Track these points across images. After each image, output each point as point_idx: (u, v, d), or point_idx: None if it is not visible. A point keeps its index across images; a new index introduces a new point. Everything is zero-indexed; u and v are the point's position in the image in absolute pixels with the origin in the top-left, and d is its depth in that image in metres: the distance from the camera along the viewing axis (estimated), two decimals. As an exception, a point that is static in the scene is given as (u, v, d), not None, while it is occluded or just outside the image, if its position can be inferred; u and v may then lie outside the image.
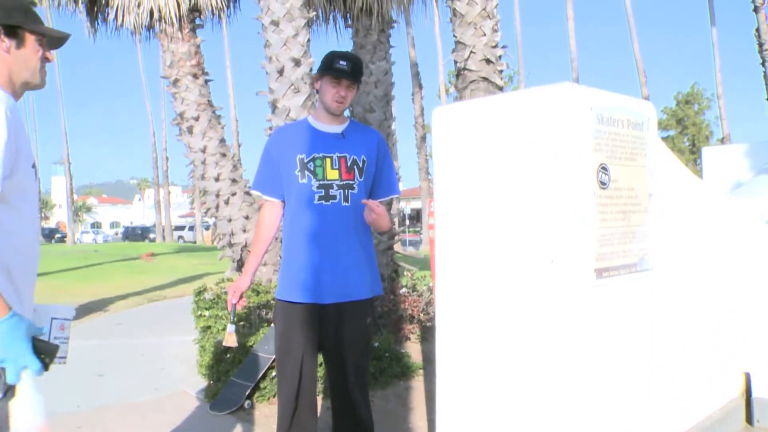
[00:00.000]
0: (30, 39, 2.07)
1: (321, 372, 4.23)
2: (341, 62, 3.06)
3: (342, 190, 3.06)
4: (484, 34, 6.63)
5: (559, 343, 2.38)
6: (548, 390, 2.41)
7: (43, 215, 66.46)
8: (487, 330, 2.62)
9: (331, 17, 8.73)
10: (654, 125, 2.86)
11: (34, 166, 2.05)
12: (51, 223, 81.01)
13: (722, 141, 34.51)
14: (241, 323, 5.44)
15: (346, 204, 3.07)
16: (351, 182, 3.08)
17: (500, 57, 6.78)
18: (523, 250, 2.48)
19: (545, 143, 2.40)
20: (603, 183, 2.48)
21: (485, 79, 6.63)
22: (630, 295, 2.66)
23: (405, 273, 7.61)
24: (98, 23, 8.51)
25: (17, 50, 2.04)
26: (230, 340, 3.33)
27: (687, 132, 48.48)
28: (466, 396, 2.73)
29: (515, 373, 2.52)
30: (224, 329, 5.23)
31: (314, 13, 7.51)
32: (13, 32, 2.03)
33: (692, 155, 45.64)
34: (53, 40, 2.22)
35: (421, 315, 6.68)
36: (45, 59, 2.13)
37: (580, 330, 2.38)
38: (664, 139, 40.17)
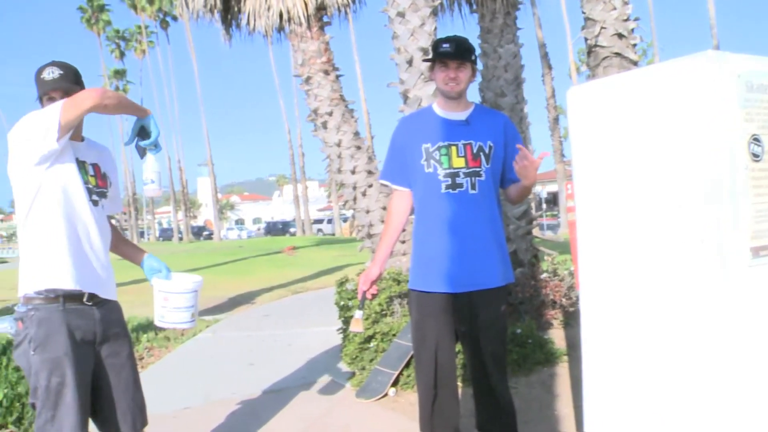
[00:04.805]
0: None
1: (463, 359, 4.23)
2: (444, 45, 3.07)
3: (469, 178, 3.04)
4: (615, 8, 6.40)
5: (712, 327, 2.27)
6: (701, 378, 2.31)
7: (191, 215, 70.13)
8: (634, 315, 2.54)
9: (455, 4, 8.69)
10: (812, 90, 2.66)
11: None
12: (199, 222, 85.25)
13: None
14: (383, 312, 5.53)
15: (473, 192, 3.04)
16: (478, 169, 3.05)
17: (633, 30, 6.53)
18: (670, 230, 2.38)
19: (689, 117, 2.30)
20: (756, 155, 2.34)
21: (618, 54, 6.41)
22: (791, 273, 2.49)
23: (545, 258, 7.48)
24: (232, 30, 8.85)
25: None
26: (357, 325, 3.38)
27: None
28: (614, 383, 2.66)
29: (666, 359, 2.43)
30: (367, 319, 5.34)
31: (439, 1, 7.49)
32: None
33: None
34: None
35: (564, 300, 6.54)
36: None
37: (736, 314, 2.26)
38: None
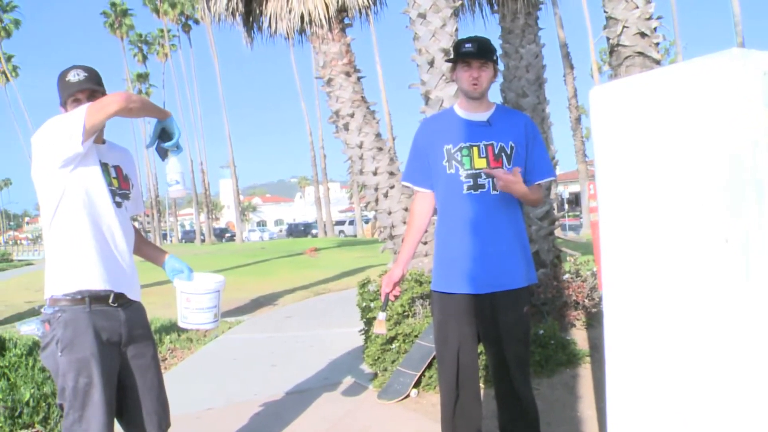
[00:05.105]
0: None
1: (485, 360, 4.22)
2: (466, 45, 3.08)
3: (490, 179, 3.03)
4: (637, 7, 6.36)
5: (737, 328, 2.25)
6: (726, 380, 2.29)
7: (213, 216, 70.60)
8: (658, 316, 2.52)
9: (476, 4, 8.68)
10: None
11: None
12: (221, 224, 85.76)
13: None
14: (405, 313, 5.54)
15: (495, 192, 3.03)
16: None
17: (655, 29, 6.48)
18: (694, 230, 2.36)
19: (713, 116, 2.27)
20: (782, 154, 2.31)
21: (641, 53, 6.36)
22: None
23: (567, 258, 7.44)
24: (254, 32, 8.89)
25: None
26: (380, 327, 3.39)
27: None
28: (637, 384, 2.64)
29: (690, 360, 2.41)
30: (389, 320, 5.35)
31: (460, 1, 7.48)
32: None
33: None
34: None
35: (586, 301, 6.50)
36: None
37: (761, 314, 2.24)
38: None
